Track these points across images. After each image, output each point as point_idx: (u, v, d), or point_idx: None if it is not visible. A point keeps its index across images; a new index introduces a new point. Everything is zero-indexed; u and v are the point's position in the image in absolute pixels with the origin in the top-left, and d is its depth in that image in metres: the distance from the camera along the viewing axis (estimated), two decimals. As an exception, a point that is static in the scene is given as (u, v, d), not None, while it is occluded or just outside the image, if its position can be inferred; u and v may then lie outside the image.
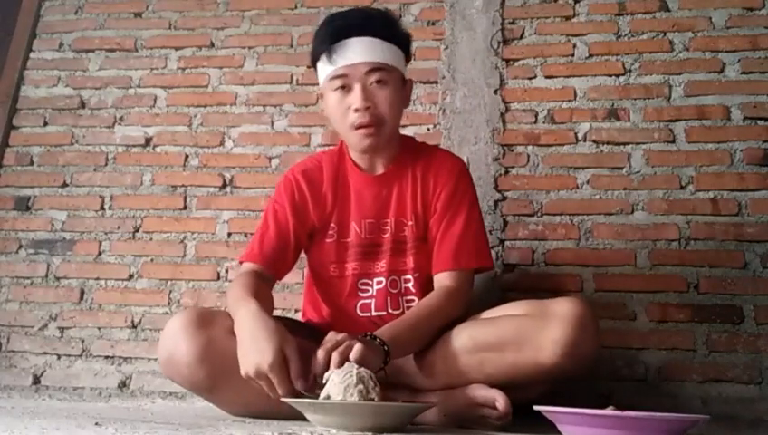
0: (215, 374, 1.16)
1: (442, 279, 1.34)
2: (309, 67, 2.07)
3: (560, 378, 1.21)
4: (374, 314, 1.38)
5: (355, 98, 1.31)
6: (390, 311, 1.37)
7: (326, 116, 1.41)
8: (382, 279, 1.39)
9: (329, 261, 1.41)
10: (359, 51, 1.30)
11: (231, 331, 1.18)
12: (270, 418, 1.20)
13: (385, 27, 1.35)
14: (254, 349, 1.05)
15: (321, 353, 1.03)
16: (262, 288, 1.26)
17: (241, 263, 1.39)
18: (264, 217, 1.43)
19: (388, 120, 1.34)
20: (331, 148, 1.54)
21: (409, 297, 1.38)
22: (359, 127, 1.32)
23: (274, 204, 1.43)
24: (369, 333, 1.13)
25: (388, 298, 1.37)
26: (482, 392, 1.19)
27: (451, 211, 1.37)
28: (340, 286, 1.40)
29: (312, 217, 1.41)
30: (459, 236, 1.35)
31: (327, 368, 1.01)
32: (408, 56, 1.42)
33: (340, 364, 1.00)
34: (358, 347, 1.03)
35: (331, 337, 1.07)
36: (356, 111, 1.31)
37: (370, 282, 1.39)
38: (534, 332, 1.18)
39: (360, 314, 1.38)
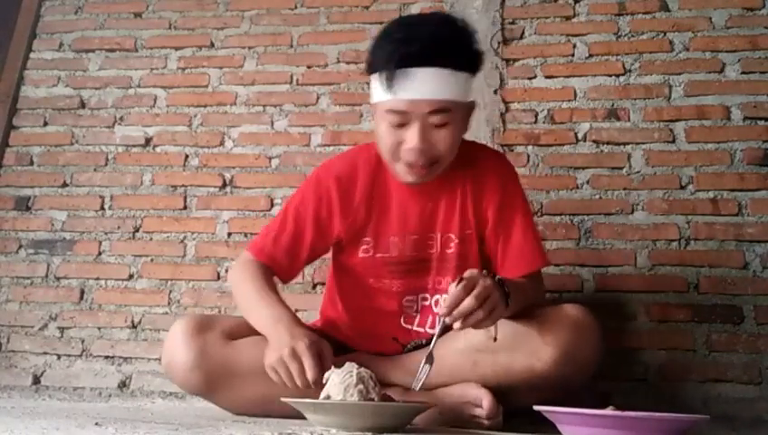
0: (209, 380, 1.22)
1: None
2: (309, 67, 2.09)
3: (559, 384, 1.19)
4: (414, 328, 1.34)
5: (411, 136, 1.17)
6: (427, 330, 1.32)
7: (375, 134, 1.27)
8: (427, 296, 1.33)
9: (366, 274, 1.34)
10: (422, 85, 1.14)
11: (227, 336, 1.23)
12: (269, 416, 1.21)
13: (456, 53, 1.17)
14: (289, 334, 1.10)
15: (457, 292, 1.02)
16: (273, 285, 1.30)
17: (248, 251, 1.35)
18: (284, 212, 1.36)
19: (442, 160, 1.22)
20: (366, 144, 1.39)
21: None
22: (408, 165, 1.21)
23: (299, 205, 1.34)
24: (494, 275, 1.10)
25: (430, 317, 1.32)
26: (472, 391, 1.19)
27: (505, 220, 1.30)
28: (381, 300, 1.34)
29: (336, 230, 1.33)
30: (519, 243, 1.29)
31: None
32: (476, 72, 1.24)
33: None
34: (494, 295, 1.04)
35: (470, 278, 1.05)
36: (410, 149, 1.18)
37: (415, 298, 1.34)
38: (530, 335, 1.17)
39: (404, 326, 1.34)
